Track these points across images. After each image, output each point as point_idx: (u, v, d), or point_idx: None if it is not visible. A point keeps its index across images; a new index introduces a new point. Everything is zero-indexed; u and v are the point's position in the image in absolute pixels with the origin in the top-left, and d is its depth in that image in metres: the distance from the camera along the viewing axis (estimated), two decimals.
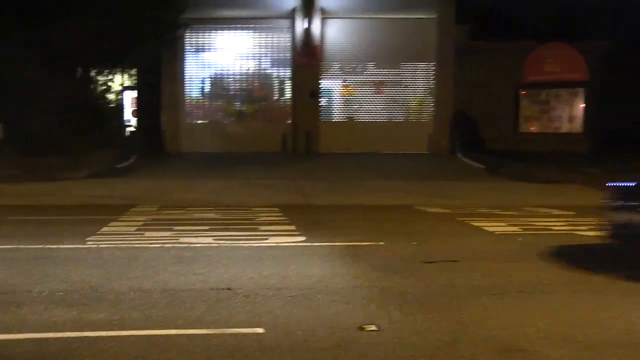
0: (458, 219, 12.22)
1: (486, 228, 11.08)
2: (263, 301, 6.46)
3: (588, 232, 10.74)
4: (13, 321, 5.77)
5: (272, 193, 16.25)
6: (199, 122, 27.45)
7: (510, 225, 11.47)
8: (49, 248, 9.06)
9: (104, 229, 10.64)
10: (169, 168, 21.38)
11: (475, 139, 25.90)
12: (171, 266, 8.02)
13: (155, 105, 25.72)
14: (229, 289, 6.87)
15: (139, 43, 21.11)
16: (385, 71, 27.36)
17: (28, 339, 5.35)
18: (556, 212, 13.38)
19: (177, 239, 9.76)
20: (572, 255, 8.96)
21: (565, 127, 23.40)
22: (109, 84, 22.18)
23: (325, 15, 26.47)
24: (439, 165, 23.38)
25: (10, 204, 14.00)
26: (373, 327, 5.66)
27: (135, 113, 26.88)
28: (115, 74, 22.50)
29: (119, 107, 24.78)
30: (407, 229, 11.11)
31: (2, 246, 9.10)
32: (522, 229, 11.09)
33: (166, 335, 5.46)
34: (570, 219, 12.33)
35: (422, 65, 27.18)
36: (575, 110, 23.32)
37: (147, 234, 10.27)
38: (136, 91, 25.83)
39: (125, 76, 24.11)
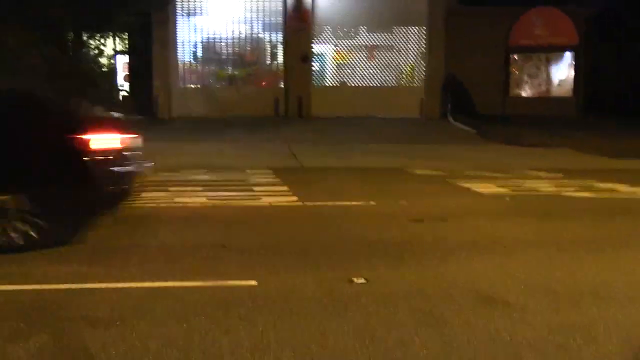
0: (447, 180, 12.45)
1: (475, 189, 11.31)
2: (257, 256, 6.68)
3: (574, 193, 11.01)
4: (18, 274, 5.98)
5: (265, 156, 16.43)
6: (191, 86, 27.53)
7: (498, 186, 11.70)
8: None
9: None
10: (162, 132, 21.39)
11: (466, 104, 26.04)
12: (167, 225, 8.23)
13: (147, 69, 25.74)
14: (223, 245, 7.07)
15: (128, 7, 21.03)
16: (377, 35, 27.43)
17: (32, 289, 5.57)
18: (544, 174, 13.62)
19: (173, 199, 9.97)
20: (558, 215, 9.20)
21: (554, 92, 23.58)
22: (101, 48, 22.16)
23: None
24: (430, 129, 23.55)
25: None
26: (362, 280, 5.88)
27: (127, 78, 26.91)
28: (107, 38, 22.47)
29: (112, 71, 24.78)
30: (397, 190, 11.34)
31: None
32: (511, 190, 11.32)
33: (163, 287, 5.67)
34: (557, 181, 12.57)
35: (413, 29, 27.25)
36: (564, 74, 23.46)
37: (144, 194, 10.42)
38: (128, 56, 25.83)
39: (117, 40, 24.08)
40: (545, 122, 21.29)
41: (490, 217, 8.94)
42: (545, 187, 11.80)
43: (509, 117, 22.47)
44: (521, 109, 23.36)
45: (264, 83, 27.56)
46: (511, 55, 23.04)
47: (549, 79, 23.25)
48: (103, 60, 22.59)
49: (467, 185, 11.75)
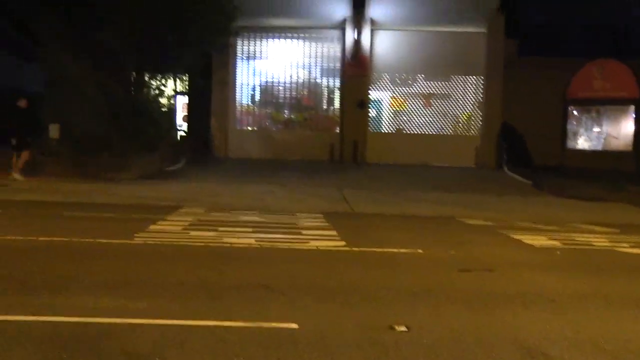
0: (499, 231, 12.29)
1: (526, 241, 11.12)
2: (299, 299, 6.67)
3: (629, 249, 10.74)
4: (63, 305, 6.09)
5: (317, 200, 16.49)
6: (248, 128, 27.93)
7: (550, 239, 11.48)
8: (100, 242, 9.43)
9: (152, 227, 11.00)
10: (217, 172, 21.81)
11: (522, 154, 25.82)
12: (213, 263, 8.30)
13: (205, 110, 26.25)
14: (266, 286, 7.09)
15: (190, 48, 21.58)
16: (434, 83, 27.50)
17: (75, 322, 5.66)
18: (599, 229, 13.31)
19: (221, 239, 10.05)
20: (611, 271, 8.98)
21: (614, 145, 23.13)
22: (162, 88, 22.70)
23: (375, 27, 26.74)
24: (484, 178, 23.34)
25: (65, 201, 14.56)
26: (403, 328, 5.82)
27: (186, 118, 27.47)
28: (167, 78, 23.03)
29: (171, 111, 25.32)
30: (446, 239, 11.23)
31: (57, 238, 9.51)
32: (563, 243, 11.09)
33: (204, 326, 5.71)
34: (613, 236, 12.27)
35: (471, 78, 27.27)
36: (624, 128, 23.05)
37: (193, 233, 10.59)
38: (187, 96, 26.40)
39: (178, 81, 24.66)
40: (603, 176, 20.88)
41: (540, 269, 8.77)
42: (599, 241, 11.53)
43: (566, 169, 22.12)
44: (578, 161, 23.00)
45: (319, 128, 27.75)
46: (569, 107, 22.75)
47: (608, 132, 22.85)
48: (163, 100, 23.10)
49: (518, 236, 11.57)
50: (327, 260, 8.88)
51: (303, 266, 8.43)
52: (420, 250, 9.83)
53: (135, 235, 10.01)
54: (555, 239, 11.45)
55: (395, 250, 9.76)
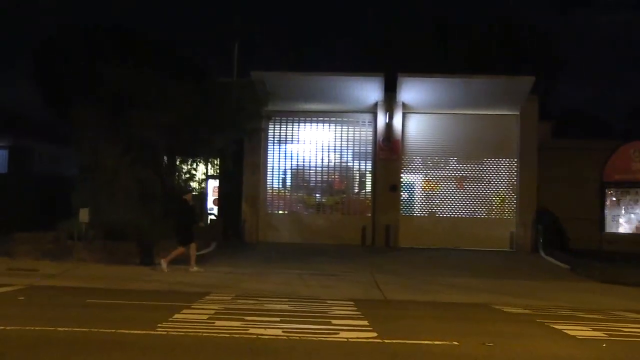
0: (538, 320, 11.72)
1: (568, 332, 10.55)
2: None
3: None
4: None
5: (348, 286, 16.07)
6: (279, 212, 27.72)
7: (594, 329, 10.89)
8: (121, 333, 9.10)
9: (176, 315, 10.66)
10: (247, 257, 21.52)
11: (559, 238, 25.22)
12: (237, 357, 7.90)
13: (236, 194, 26.18)
14: None
15: (221, 133, 21.69)
16: (467, 166, 27.22)
17: None
18: None
19: (247, 330, 9.65)
20: None
21: None
22: (193, 172, 22.74)
23: (407, 110, 26.71)
24: (520, 263, 22.74)
25: (91, 287, 14.35)
26: None
27: (216, 201, 27.39)
28: (198, 163, 23.08)
29: (202, 195, 25.28)
30: (482, 329, 10.70)
31: (77, 329, 9.20)
32: (608, 334, 10.49)
33: None
34: None
35: (504, 161, 26.93)
36: None
37: (218, 322, 10.22)
38: (218, 180, 26.38)
39: (209, 165, 24.71)
40: None
41: None
42: None
43: (604, 253, 21.47)
44: (618, 245, 22.35)
45: (351, 212, 27.44)
46: (607, 190, 22.27)
47: None
48: (194, 184, 23.08)
49: (559, 327, 10.99)
50: (357, 354, 8.42)
51: None
52: (455, 342, 9.32)
53: (159, 325, 9.66)
54: (599, 329, 10.86)
55: (429, 342, 9.27)
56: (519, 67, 31.16)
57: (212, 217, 27.06)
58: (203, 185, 25.18)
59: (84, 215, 19.62)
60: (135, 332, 9.24)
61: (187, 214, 18.05)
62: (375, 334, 9.66)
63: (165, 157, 22.03)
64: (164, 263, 17.42)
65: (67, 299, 12.49)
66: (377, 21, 53.63)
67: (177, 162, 22.25)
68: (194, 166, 22.78)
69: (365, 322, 10.70)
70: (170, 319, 10.29)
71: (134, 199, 20.55)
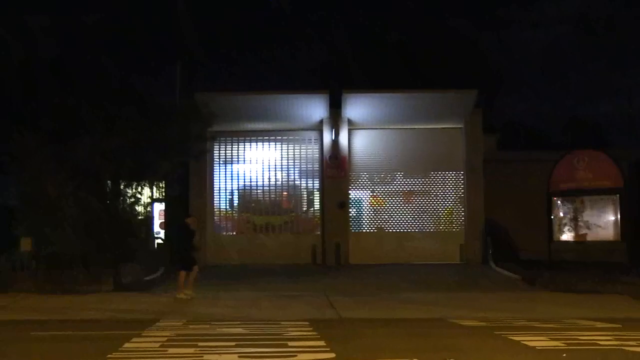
0: (495, 332, 11.63)
1: (526, 342, 10.46)
2: None
3: (639, 347, 10.10)
4: None
5: (302, 306, 15.82)
6: (228, 234, 27.33)
7: (552, 339, 10.83)
8: None
9: (126, 345, 10.24)
10: (196, 281, 21.02)
11: (508, 249, 25.39)
12: None
13: (183, 217, 25.65)
14: None
15: (166, 156, 21.31)
16: (414, 180, 27.30)
17: None
18: (600, 324, 12.72)
19: (202, 356, 9.30)
20: None
21: (602, 235, 22.75)
22: (138, 196, 22.22)
23: (353, 127, 26.68)
24: (471, 275, 22.79)
25: (35, 319, 13.79)
26: None
27: (163, 225, 26.84)
28: (144, 186, 22.57)
29: (148, 219, 24.72)
30: (441, 344, 10.54)
31: None
32: (566, 343, 10.43)
33: None
34: (616, 333, 11.64)
35: (451, 174, 27.10)
36: (611, 218, 22.77)
37: (171, 350, 9.85)
38: (164, 203, 25.87)
39: (154, 188, 24.20)
40: (592, 268, 20.40)
41: None
42: (604, 340, 10.87)
43: (553, 262, 21.65)
44: (566, 253, 22.54)
45: (300, 230, 27.21)
46: (553, 199, 22.49)
47: (595, 223, 22.53)
48: (139, 209, 22.55)
49: (517, 338, 10.91)
50: None
51: None
52: None
53: (108, 356, 9.25)
54: (556, 339, 10.81)
55: None
56: (460, 82, 31.45)
57: (159, 241, 26.51)
58: (149, 209, 24.62)
59: (26, 244, 19.00)
60: None
61: (187, 238, 17.61)
62: (333, 355, 9.41)
63: (109, 182, 21.47)
64: (182, 294, 16.94)
65: (10, 334, 11.94)
66: (319, 39, 53.82)
67: (122, 187, 21.69)
68: (139, 190, 22.25)
69: (322, 343, 10.45)
70: (120, 349, 9.88)
71: (78, 225, 19.96)
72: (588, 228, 22.89)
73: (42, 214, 20.08)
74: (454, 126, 26.70)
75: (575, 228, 22.56)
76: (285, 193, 27.57)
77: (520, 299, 17.48)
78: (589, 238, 22.86)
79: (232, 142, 27.22)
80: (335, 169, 26.40)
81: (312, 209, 27.41)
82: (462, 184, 26.79)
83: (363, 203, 27.46)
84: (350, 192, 26.92)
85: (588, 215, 22.91)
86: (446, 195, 27.19)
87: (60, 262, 19.17)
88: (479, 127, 26.45)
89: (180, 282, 17.27)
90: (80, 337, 11.35)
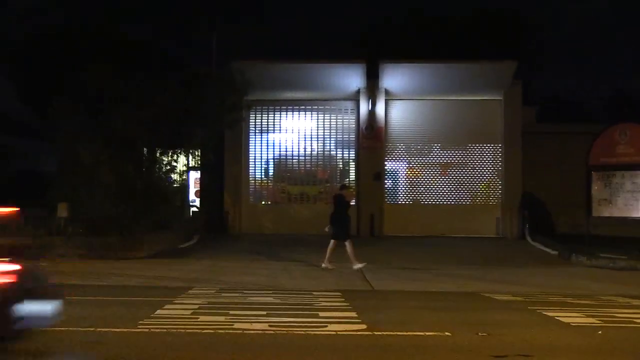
0: (529, 307, 11.47)
1: (561, 319, 10.29)
2: None
3: None
4: None
5: (334, 277, 15.78)
6: (262, 203, 27.36)
7: (587, 316, 10.64)
8: (99, 332, 8.73)
9: (158, 311, 10.30)
10: (231, 249, 21.15)
11: (545, 223, 25.03)
12: (221, 355, 7.57)
13: (218, 185, 25.78)
14: None
15: (202, 125, 21.33)
16: (451, 152, 26.95)
17: None
18: (637, 302, 12.48)
19: (232, 325, 9.30)
20: None
21: None
22: (173, 164, 22.32)
23: (390, 97, 26.36)
24: (507, 249, 22.55)
25: (70, 283, 13.85)
26: None
27: (198, 193, 26.96)
28: (179, 154, 22.66)
29: (183, 187, 24.86)
30: (474, 318, 10.42)
31: (55, 328, 8.79)
32: (602, 320, 10.24)
33: None
34: None
35: (489, 146, 26.70)
36: None
37: (202, 318, 9.87)
38: (200, 172, 25.96)
39: (190, 157, 24.29)
40: (632, 244, 20.00)
41: (581, 354, 7.99)
42: None
43: (593, 238, 21.28)
44: (605, 229, 22.07)
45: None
46: (593, 173, 22.00)
47: (635, 198, 22.04)
48: (175, 176, 22.67)
49: (551, 314, 10.75)
50: (345, 349, 8.09)
51: (319, 356, 7.66)
52: (447, 333, 9.03)
53: (140, 322, 9.31)
54: (592, 316, 10.62)
55: (420, 333, 8.99)
56: (501, 54, 30.88)
57: (195, 209, 26.65)
58: (184, 177, 24.76)
59: (62, 210, 19.19)
60: (116, 330, 8.87)
61: (342, 210, 17.62)
62: (364, 326, 9.35)
63: (145, 150, 21.58)
64: (328, 264, 17.04)
65: None
66: (358, 10, 53.31)
67: (157, 155, 21.79)
68: (175, 158, 22.34)
69: (354, 314, 10.40)
70: (152, 315, 9.94)
71: (113, 192, 20.12)
72: (629, 203, 22.39)
73: (77, 180, 20.26)
74: (492, 98, 26.25)
75: (616, 203, 22.05)
76: (320, 163, 27.44)
77: (557, 274, 17.23)
78: (629, 214, 22.37)
79: (267, 111, 27.10)
80: (371, 140, 26.18)
81: (348, 179, 27.25)
82: (500, 156, 26.41)
83: (399, 174, 27.24)
84: (386, 163, 26.70)
85: (629, 191, 22.39)
86: (483, 168, 26.84)
87: (96, 228, 19.36)
88: (518, 100, 25.97)
89: (329, 250, 17.19)
90: (113, 302, 11.42)
